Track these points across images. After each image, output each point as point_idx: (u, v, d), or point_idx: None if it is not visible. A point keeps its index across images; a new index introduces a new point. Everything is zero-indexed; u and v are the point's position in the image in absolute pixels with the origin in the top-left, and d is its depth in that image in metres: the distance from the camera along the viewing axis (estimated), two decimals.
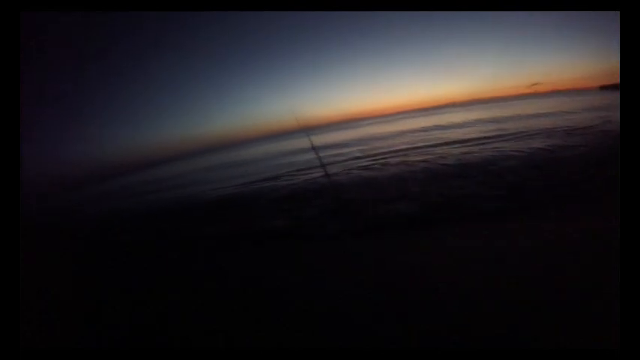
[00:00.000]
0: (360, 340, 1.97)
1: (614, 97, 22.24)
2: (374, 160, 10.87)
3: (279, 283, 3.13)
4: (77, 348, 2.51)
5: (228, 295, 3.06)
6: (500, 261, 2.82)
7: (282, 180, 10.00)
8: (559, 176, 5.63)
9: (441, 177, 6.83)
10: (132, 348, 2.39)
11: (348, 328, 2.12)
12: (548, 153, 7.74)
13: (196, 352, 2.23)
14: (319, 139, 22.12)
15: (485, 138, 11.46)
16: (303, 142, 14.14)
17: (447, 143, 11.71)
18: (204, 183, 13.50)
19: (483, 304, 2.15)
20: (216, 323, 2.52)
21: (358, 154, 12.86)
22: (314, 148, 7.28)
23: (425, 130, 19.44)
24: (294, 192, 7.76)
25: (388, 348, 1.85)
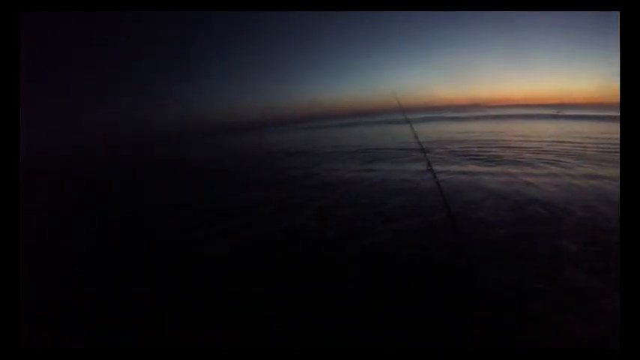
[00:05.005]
0: None
1: None
2: None
3: None
4: (77, 349, 2.51)
5: None
6: None
7: None
8: None
9: None
10: (131, 349, 2.39)
11: None
12: None
13: (196, 352, 2.23)
14: None
15: None
16: None
17: None
18: None
19: None
20: None
21: None
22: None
23: None
24: None
25: (387, 348, 1.85)
